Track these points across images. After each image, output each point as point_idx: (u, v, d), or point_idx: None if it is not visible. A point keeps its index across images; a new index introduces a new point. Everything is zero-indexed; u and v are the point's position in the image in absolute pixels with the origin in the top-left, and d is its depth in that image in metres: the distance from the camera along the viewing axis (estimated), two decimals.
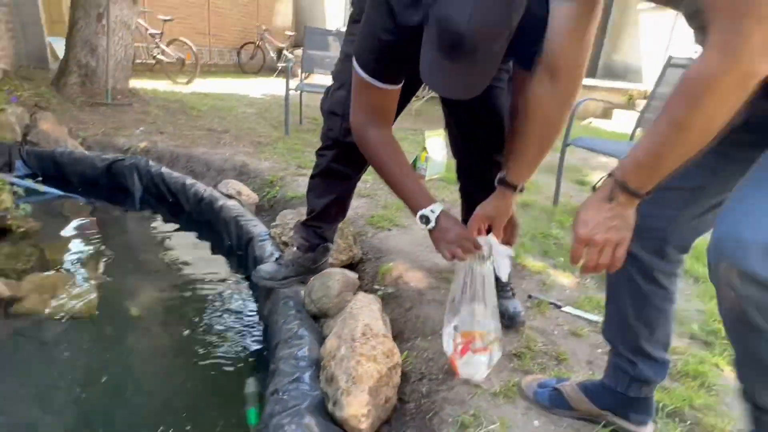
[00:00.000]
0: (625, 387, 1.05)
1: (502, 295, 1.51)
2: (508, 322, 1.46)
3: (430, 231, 1.15)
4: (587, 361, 1.38)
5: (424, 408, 1.22)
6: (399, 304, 1.65)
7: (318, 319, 1.54)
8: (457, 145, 1.53)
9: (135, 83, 5.14)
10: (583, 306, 1.67)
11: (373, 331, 1.28)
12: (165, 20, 6.90)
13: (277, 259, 1.74)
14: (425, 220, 1.13)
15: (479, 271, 1.16)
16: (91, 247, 2.22)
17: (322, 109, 1.48)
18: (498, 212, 1.16)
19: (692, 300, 1.80)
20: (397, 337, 1.51)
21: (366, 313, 1.35)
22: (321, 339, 1.42)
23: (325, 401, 1.16)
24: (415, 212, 1.15)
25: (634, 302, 1.00)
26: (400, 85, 1.11)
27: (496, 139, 1.37)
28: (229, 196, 2.50)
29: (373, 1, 1.02)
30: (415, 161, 3.11)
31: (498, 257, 1.15)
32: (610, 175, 0.76)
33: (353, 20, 1.38)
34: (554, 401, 1.16)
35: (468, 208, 1.60)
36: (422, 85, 1.43)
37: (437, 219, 1.12)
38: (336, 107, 1.40)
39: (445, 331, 1.25)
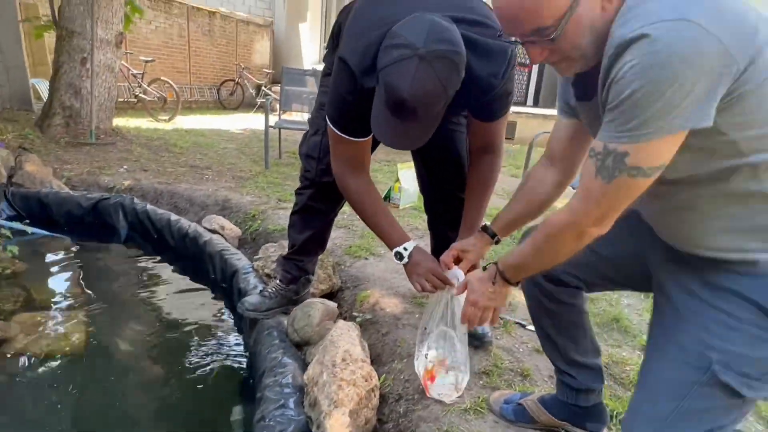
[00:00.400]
0: (574, 398, 1.14)
1: None
2: (478, 342, 1.53)
3: (405, 265, 1.25)
4: (549, 375, 1.45)
5: (401, 427, 1.27)
6: (376, 330, 1.71)
7: (301, 347, 1.58)
8: (423, 182, 1.63)
9: (118, 121, 5.15)
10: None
11: (353, 357, 1.33)
12: (147, 61, 6.95)
13: (260, 291, 1.78)
14: (399, 256, 1.25)
15: (449, 301, 1.24)
16: (78, 286, 2.22)
17: (299, 152, 1.57)
18: (473, 250, 1.22)
19: (643, 314, 1.91)
20: (375, 360, 1.57)
21: (345, 339, 1.41)
22: (304, 366, 1.46)
23: (309, 425, 1.20)
24: (391, 249, 1.26)
25: (551, 321, 1.10)
26: (369, 137, 1.21)
27: (456, 176, 1.48)
28: (213, 231, 2.53)
29: (337, 67, 1.14)
30: (389, 192, 3.21)
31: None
32: (495, 263, 0.97)
33: (325, 74, 1.48)
34: (518, 415, 1.23)
35: (436, 244, 1.69)
36: None
37: (410, 255, 1.24)
38: (312, 151, 1.49)
39: (417, 355, 1.31)
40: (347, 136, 1.18)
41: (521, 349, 1.59)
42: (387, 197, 3.23)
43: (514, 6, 0.72)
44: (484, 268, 1.03)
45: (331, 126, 1.19)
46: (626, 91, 0.64)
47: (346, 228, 2.60)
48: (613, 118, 0.68)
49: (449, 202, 1.55)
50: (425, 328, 1.27)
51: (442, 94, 0.98)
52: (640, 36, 0.62)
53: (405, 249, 1.24)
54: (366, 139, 1.21)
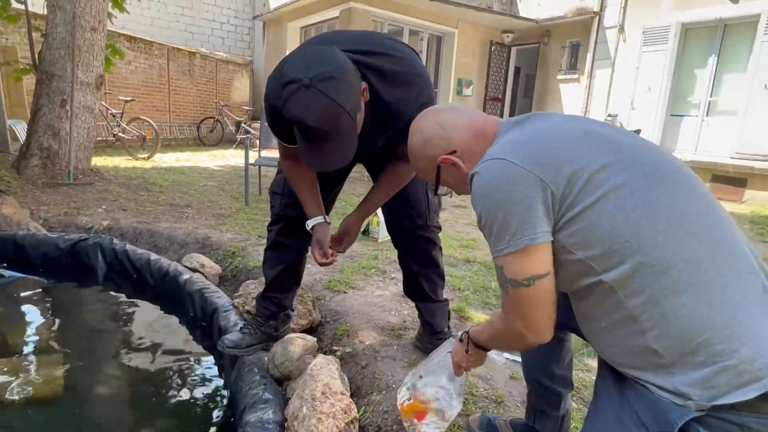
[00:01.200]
0: (532, 420, 1.22)
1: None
2: None
3: (311, 231, 1.47)
4: (521, 401, 1.51)
5: None
6: (356, 363, 1.74)
7: (281, 383, 1.60)
8: (386, 219, 1.70)
9: (96, 160, 5.15)
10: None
11: (332, 390, 1.37)
12: (126, 101, 7.02)
13: (241, 328, 1.81)
14: (309, 226, 1.46)
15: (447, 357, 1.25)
16: (55, 328, 2.19)
17: (269, 190, 1.67)
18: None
19: None
20: (355, 393, 1.60)
21: (325, 373, 1.45)
22: (285, 401, 1.48)
23: None
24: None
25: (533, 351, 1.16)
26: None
27: (411, 213, 1.58)
28: (193, 270, 2.54)
29: (264, 101, 1.33)
30: (368, 226, 3.29)
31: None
32: (467, 332, 1.09)
33: None
34: (489, 428, 1.31)
35: (405, 277, 1.76)
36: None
37: (312, 228, 1.45)
38: (276, 188, 1.60)
39: (406, 384, 1.33)
40: (282, 142, 1.40)
41: (496, 377, 1.64)
42: (366, 232, 3.30)
43: (418, 172, 1.09)
44: (460, 339, 1.13)
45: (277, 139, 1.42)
46: (481, 221, 0.84)
47: None
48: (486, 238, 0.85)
49: (408, 238, 1.64)
50: (420, 376, 1.27)
51: (340, 110, 1.09)
52: (474, 174, 0.84)
53: (310, 223, 1.46)
54: (294, 146, 1.35)
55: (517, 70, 10.49)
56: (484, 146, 0.89)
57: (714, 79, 7.06)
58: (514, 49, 9.95)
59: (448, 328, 1.75)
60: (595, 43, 8.32)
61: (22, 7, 4.92)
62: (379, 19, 8.24)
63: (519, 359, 1.73)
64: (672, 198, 0.75)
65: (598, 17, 8.20)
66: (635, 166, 0.77)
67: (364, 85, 1.19)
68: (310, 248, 1.50)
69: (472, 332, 1.06)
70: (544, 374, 1.18)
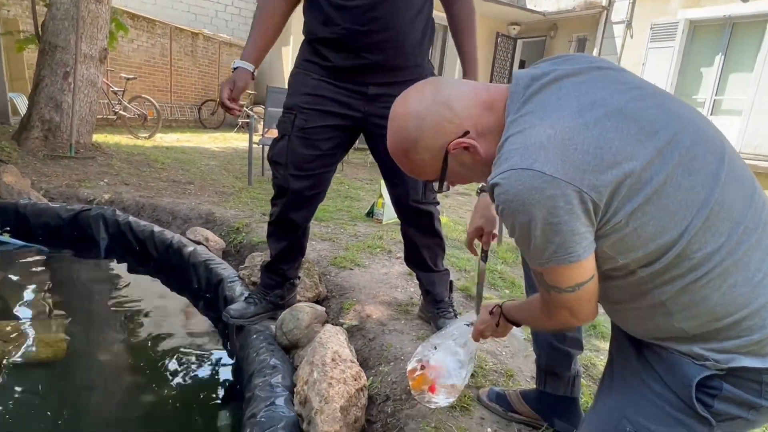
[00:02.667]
0: (543, 383, 1.21)
1: (445, 314, 1.66)
2: None
3: (232, 71, 1.47)
4: (531, 376, 1.51)
5: (390, 426, 1.29)
6: (363, 336, 1.73)
7: (289, 350, 1.59)
8: (390, 194, 1.68)
9: (97, 137, 5.09)
10: (526, 330, 1.82)
11: (342, 357, 1.36)
12: (128, 79, 6.95)
13: (246, 298, 1.79)
14: (233, 66, 1.46)
15: (462, 328, 1.27)
16: (57, 296, 2.18)
17: (268, 158, 1.59)
18: (486, 219, 1.22)
19: None
20: (363, 364, 1.58)
21: (334, 341, 1.44)
22: (292, 369, 1.48)
23: (300, 422, 1.21)
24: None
25: None
26: None
27: (410, 189, 1.56)
28: (197, 242, 2.53)
29: None
30: (372, 207, 3.27)
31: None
32: (500, 306, 1.06)
33: (292, 74, 1.55)
34: (498, 400, 1.30)
35: (406, 247, 1.75)
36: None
37: (235, 68, 1.45)
38: (278, 157, 1.52)
39: (418, 355, 1.32)
40: None
41: (504, 352, 1.64)
42: (370, 213, 3.28)
43: (405, 170, 0.90)
44: (491, 311, 1.10)
45: None
46: (509, 229, 0.75)
47: (331, 241, 2.64)
48: (521, 247, 0.78)
49: (409, 212, 1.62)
50: (434, 347, 1.28)
51: None
52: (495, 184, 0.72)
53: (234, 63, 1.46)
54: None
55: (522, 64, 10.46)
56: (496, 120, 0.79)
57: (720, 78, 7.05)
58: (520, 42, 9.91)
59: (450, 298, 1.74)
60: (602, 37, 8.30)
61: None
62: None
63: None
64: (711, 187, 0.70)
65: (606, 12, 8.17)
66: (674, 155, 0.69)
67: None
68: (221, 87, 1.44)
69: (507, 307, 1.04)
70: (555, 337, 1.17)
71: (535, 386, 1.28)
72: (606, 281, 0.79)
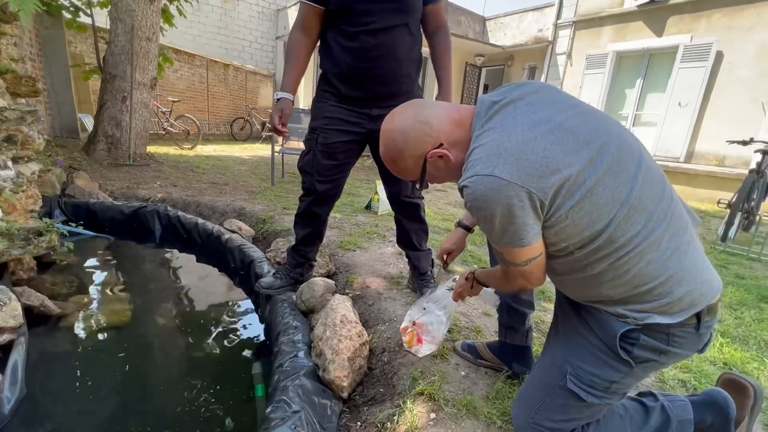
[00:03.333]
0: (503, 335, 1.23)
1: (428, 284, 1.67)
2: None
3: (276, 102, 1.43)
4: (494, 331, 1.53)
5: (386, 371, 1.31)
6: (364, 302, 1.74)
7: (306, 315, 1.60)
8: (386, 192, 1.68)
9: (149, 149, 5.02)
10: None
11: (348, 319, 1.37)
12: (174, 101, 6.84)
13: (273, 273, 1.79)
14: (276, 98, 1.43)
15: (443, 293, 1.28)
16: (122, 275, 2.16)
17: (298, 166, 1.60)
18: (456, 246, 1.28)
19: None
20: (364, 324, 1.59)
21: (342, 307, 1.44)
22: (309, 329, 1.48)
23: (316, 370, 1.22)
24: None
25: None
26: (314, 4, 1.36)
27: (401, 185, 1.56)
28: (232, 231, 2.51)
29: None
30: (369, 202, 3.26)
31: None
32: (473, 272, 1.08)
33: (313, 102, 1.54)
34: (469, 350, 1.32)
35: (399, 232, 1.75)
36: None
37: (279, 99, 1.42)
38: (306, 167, 1.53)
39: (410, 315, 1.33)
40: (305, 1, 1.35)
41: (474, 314, 1.66)
42: (368, 206, 3.28)
43: (394, 172, 0.89)
44: (467, 277, 1.12)
45: (300, 1, 1.38)
46: (475, 219, 0.78)
47: (338, 229, 2.63)
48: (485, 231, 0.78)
49: (400, 205, 1.63)
50: (424, 308, 1.29)
51: None
52: (464, 186, 0.73)
53: (278, 94, 1.42)
54: (314, 5, 1.36)
55: (486, 88, 10.41)
56: (465, 134, 0.80)
57: (639, 97, 7.07)
58: (484, 70, 9.85)
59: (431, 272, 1.76)
60: (548, 66, 8.26)
61: (89, 20, 4.72)
62: None
63: None
64: (631, 186, 0.71)
65: (551, 45, 8.13)
66: (603, 161, 0.70)
67: None
68: (271, 115, 1.43)
69: (478, 273, 1.06)
70: (512, 299, 1.19)
71: (497, 338, 1.31)
72: (552, 259, 0.81)
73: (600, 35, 7.39)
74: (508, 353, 1.24)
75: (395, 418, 1.06)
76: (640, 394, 0.98)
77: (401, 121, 0.83)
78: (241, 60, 10.61)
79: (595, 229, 0.71)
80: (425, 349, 1.25)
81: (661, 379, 1.32)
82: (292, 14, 10.00)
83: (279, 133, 1.40)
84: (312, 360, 1.26)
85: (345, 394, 1.18)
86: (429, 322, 1.24)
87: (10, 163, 1.76)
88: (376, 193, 3.18)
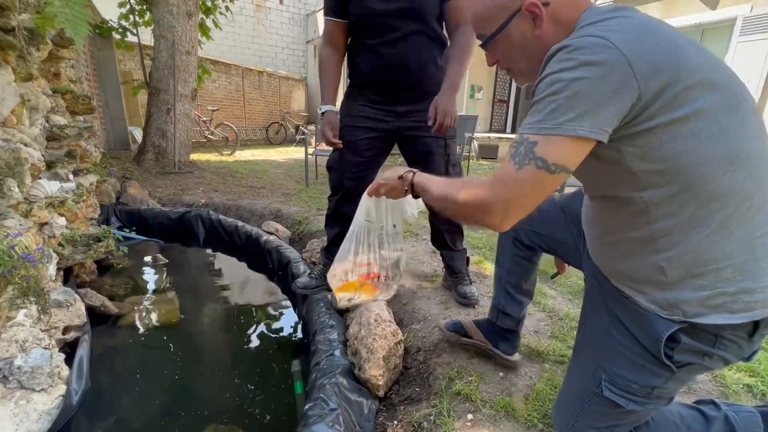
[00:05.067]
0: (495, 317, 1.19)
1: (463, 282, 1.64)
2: (466, 301, 1.60)
3: (321, 116, 1.45)
4: (473, 316, 1.48)
5: (422, 371, 1.30)
6: (398, 301, 1.74)
7: (342, 313, 1.62)
8: None
9: (192, 156, 5.30)
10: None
11: (382, 318, 1.37)
12: (213, 110, 7.18)
13: (309, 273, 1.84)
14: (321, 111, 1.44)
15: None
16: (170, 276, 2.30)
17: (327, 166, 1.65)
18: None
19: None
20: (399, 323, 1.58)
21: (376, 306, 1.45)
22: (345, 327, 1.50)
23: (352, 368, 1.24)
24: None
25: (508, 262, 1.14)
26: (338, 19, 1.40)
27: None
28: (270, 233, 2.60)
29: None
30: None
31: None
32: (413, 172, 0.89)
33: (343, 102, 1.57)
34: (456, 327, 1.30)
35: (433, 233, 1.74)
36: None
37: (323, 113, 1.43)
38: (333, 163, 1.58)
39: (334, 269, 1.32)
40: (328, 17, 1.40)
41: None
42: None
43: (472, 12, 0.72)
44: (402, 176, 0.92)
45: (324, 18, 1.41)
46: (542, 89, 0.59)
47: None
48: (531, 112, 0.61)
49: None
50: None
51: None
52: (563, 46, 0.58)
53: (322, 108, 1.44)
54: (335, 20, 1.40)
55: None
56: (574, 18, 0.63)
57: None
58: None
59: (466, 270, 1.72)
60: None
61: (135, 39, 5.06)
62: None
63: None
64: (743, 134, 0.57)
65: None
66: (723, 89, 0.57)
67: None
68: (321, 130, 1.42)
69: (419, 177, 0.85)
70: (514, 287, 1.15)
71: (486, 317, 1.27)
72: (607, 207, 0.67)
73: (646, 11, 6.89)
74: (496, 334, 1.21)
75: (432, 418, 1.05)
76: (699, 402, 0.90)
77: None
78: (274, 66, 10.95)
79: (683, 166, 0.57)
80: (385, 293, 1.24)
81: (722, 383, 1.21)
82: (321, 18, 10.17)
83: (333, 145, 1.44)
84: (348, 358, 1.28)
85: (381, 393, 1.19)
86: (371, 260, 1.26)
87: (71, 176, 1.94)
88: None
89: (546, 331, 1.46)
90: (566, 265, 1.11)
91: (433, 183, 0.80)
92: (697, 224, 0.59)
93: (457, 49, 1.36)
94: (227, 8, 5.53)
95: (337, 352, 1.28)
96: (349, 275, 1.29)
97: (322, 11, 10.11)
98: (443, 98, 1.32)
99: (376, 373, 1.17)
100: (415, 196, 0.88)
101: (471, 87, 8.91)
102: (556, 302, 1.70)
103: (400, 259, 1.31)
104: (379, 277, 1.27)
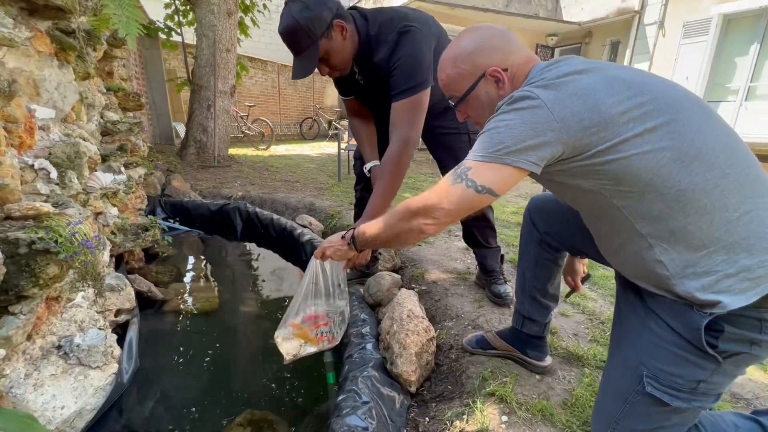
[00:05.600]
0: (521, 324, 1.16)
1: (497, 281, 1.60)
2: (502, 300, 1.57)
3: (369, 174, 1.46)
4: (492, 323, 1.42)
5: (454, 369, 1.29)
6: (430, 297, 1.73)
7: (373, 308, 1.63)
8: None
9: (230, 150, 5.51)
10: None
11: (415, 314, 1.37)
12: (250, 106, 7.41)
13: None
14: (366, 168, 1.45)
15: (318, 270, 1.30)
16: (210, 265, 2.41)
17: (354, 156, 1.68)
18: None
19: None
20: (431, 320, 1.58)
21: (408, 301, 1.45)
22: (377, 321, 1.51)
23: (384, 363, 1.24)
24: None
25: (531, 264, 1.11)
26: (350, 97, 1.46)
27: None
28: (304, 226, 2.66)
29: None
30: None
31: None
32: (353, 229, 1.01)
33: None
34: (479, 344, 1.27)
35: (464, 227, 1.71)
36: None
37: (370, 170, 1.43)
38: (357, 153, 1.61)
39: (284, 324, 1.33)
40: (343, 97, 1.47)
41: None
42: None
43: (442, 79, 0.83)
44: (343, 236, 1.06)
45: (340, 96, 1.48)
46: (486, 127, 0.71)
47: None
48: (475, 144, 0.72)
49: None
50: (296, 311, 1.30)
51: (297, 27, 1.09)
52: (507, 98, 0.70)
53: (366, 167, 1.45)
54: (347, 98, 1.46)
55: None
56: (525, 75, 0.76)
57: (755, 66, 6.00)
58: (557, 50, 9.12)
59: (500, 269, 1.68)
60: (635, 39, 7.38)
61: (179, 39, 5.30)
62: None
63: None
64: (688, 134, 0.63)
65: (638, 15, 7.25)
66: (656, 108, 0.64)
67: (346, 25, 1.16)
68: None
69: (359, 231, 0.94)
70: (540, 291, 1.11)
71: (510, 326, 1.25)
72: (596, 218, 0.75)
73: None
74: (523, 341, 1.17)
75: (465, 417, 1.04)
76: (756, 413, 0.84)
77: (488, 30, 0.80)
78: None
79: (633, 174, 0.64)
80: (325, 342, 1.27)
81: None
82: None
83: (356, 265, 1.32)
84: (380, 353, 1.28)
85: (413, 389, 1.18)
86: (320, 312, 1.27)
87: (122, 169, 2.06)
88: None
89: (586, 334, 1.40)
90: (580, 283, 1.14)
91: (372, 223, 0.91)
92: (674, 217, 0.64)
93: (383, 169, 1.25)
94: (265, 6, 5.66)
95: (369, 346, 1.29)
96: (295, 330, 1.32)
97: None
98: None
99: (408, 368, 1.17)
100: (360, 250, 0.99)
101: None
102: (596, 305, 1.63)
103: (344, 312, 1.35)
104: (326, 325, 1.30)
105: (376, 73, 1.24)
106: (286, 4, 1.12)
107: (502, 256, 1.71)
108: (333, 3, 1.14)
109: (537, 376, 1.19)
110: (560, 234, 1.03)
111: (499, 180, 0.68)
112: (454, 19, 7.59)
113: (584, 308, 1.59)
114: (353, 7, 1.28)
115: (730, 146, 0.65)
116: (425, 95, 1.19)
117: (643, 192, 0.64)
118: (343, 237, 1.03)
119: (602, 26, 7.99)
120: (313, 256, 1.22)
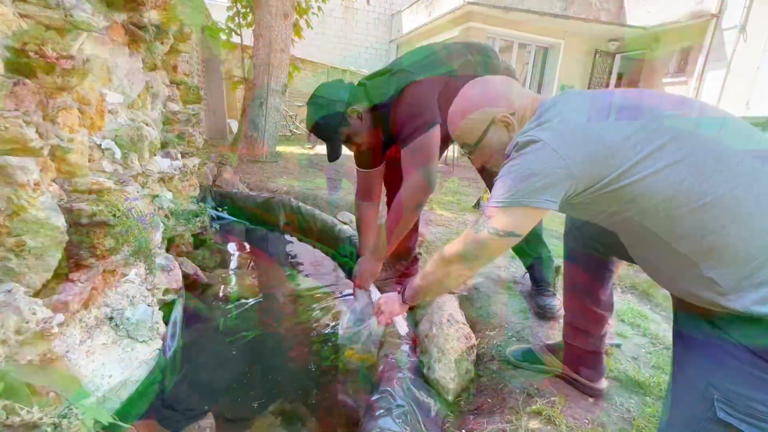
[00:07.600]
0: (572, 338, 1.06)
1: (545, 293, 1.49)
2: (544, 312, 1.47)
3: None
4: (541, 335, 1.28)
5: (495, 381, 1.21)
6: (471, 304, 1.65)
7: (411, 309, 1.58)
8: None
9: (278, 148, 5.69)
10: None
11: (455, 319, 1.30)
12: (299, 106, 7.64)
13: None
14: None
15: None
16: (253, 254, 2.47)
17: None
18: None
19: None
20: (472, 327, 1.49)
21: (449, 305, 1.38)
22: (414, 324, 1.46)
23: (421, 367, 1.19)
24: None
25: (579, 274, 1.03)
26: (372, 170, 1.55)
27: None
28: (344, 223, 2.66)
29: None
30: (479, 200, 3.12)
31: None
32: (402, 292, 1.12)
33: None
34: (525, 356, 1.18)
35: None
36: None
37: (357, 263, 1.49)
38: None
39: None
40: (360, 170, 1.56)
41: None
42: (476, 205, 3.14)
43: (453, 132, 0.90)
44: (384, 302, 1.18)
45: (360, 170, 1.58)
46: (502, 173, 0.76)
47: (444, 226, 2.58)
48: (493, 190, 0.77)
49: None
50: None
51: (318, 124, 1.28)
52: (515, 144, 0.76)
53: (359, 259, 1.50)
54: (364, 171, 1.55)
55: (620, 76, 9.05)
56: (532, 113, 0.81)
57: None
58: (618, 57, 8.59)
59: (551, 280, 1.57)
60: (710, 45, 6.77)
61: (236, 39, 5.58)
62: (492, 35, 7.72)
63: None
64: (701, 147, 0.63)
65: (715, 19, 6.64)
66: (668, 138, 0.65)
67: (360, 109, 1.28)
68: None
69: (407, 294, 1.07)
70: (591, 300, 1.00)
71: (559, 340, 1.15)
72: (634, 247, 0.76)
73: None
74: (574, 358, 1.05)
75: None
76: None
77: (492, 81, 0.86)
78: (357, 65, 11.30)
79: (656, 193, 0.64)
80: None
81: None
82: (406, 17, 10.25)
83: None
84: (417, 356, 1.23)
85: (450, 398, 1.12)
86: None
87: (179, 156, 2.17)
88: (486, 191, 3.01)
89: (647, 359, 1.26)
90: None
91: (415, 279, 1.03)
92: (712, 230, 0.62)
93: (389, 215, 1.34)
94: (319, 8, 5.82)
95: (406, 347, 1.24)
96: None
97: (407, 11, 10.18)
98: (363, 262, 1.44)
99: (446, 375, 1.10)
100: (408, 303, 1.11)
101: (561, 87, 8.27)
102: (659, 328, 1.47)
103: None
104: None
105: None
106: (307, 104, 1.29)
107: (558, 267, 1.60)
108: (345, 92, 1.27)
109: (590, 399, 1.08)
110: (606, 240, 0.94)
111: (519, 222, 0.74)
112: (509, 23, 7.38)
113: (645, 330, 1.43)
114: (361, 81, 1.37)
115: (756, 150, 0.63)
116: (429, 136, 1.22)
117: (670, 209, 0.64)
118: (391, 299, 1.16)
119: (672, 31, 7.40)
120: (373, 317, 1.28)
